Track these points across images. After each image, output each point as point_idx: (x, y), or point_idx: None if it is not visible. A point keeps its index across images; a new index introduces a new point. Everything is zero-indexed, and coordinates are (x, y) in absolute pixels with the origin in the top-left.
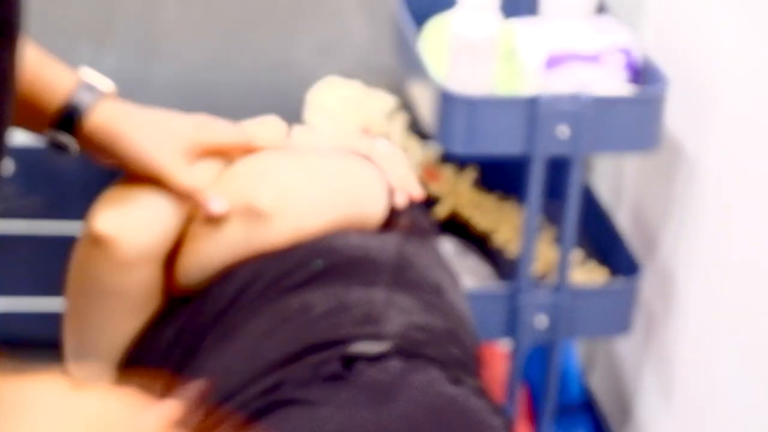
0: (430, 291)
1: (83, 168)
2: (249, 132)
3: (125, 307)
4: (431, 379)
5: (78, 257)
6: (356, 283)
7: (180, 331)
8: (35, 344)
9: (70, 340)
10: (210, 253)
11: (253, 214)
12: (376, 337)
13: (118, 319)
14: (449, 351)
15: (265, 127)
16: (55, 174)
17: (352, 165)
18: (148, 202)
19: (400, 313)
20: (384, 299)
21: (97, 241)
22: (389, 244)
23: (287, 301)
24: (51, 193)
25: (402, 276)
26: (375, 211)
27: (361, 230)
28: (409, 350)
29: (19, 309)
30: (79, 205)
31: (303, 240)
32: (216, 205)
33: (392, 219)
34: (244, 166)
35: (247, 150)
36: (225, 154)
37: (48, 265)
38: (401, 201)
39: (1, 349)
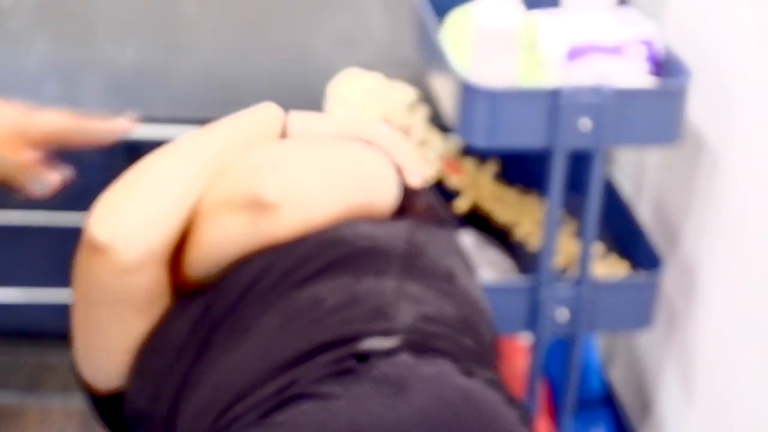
0: (442, 278)
1: (104, 159)
2: (84, 120)
3: (132, 311)
4: (442, 371)
5: (80, 265)
6: (366, 274)
7: (193, 327)
8: (55, 335)
9: (79, 343)
10: (217, 246)
11: (259, 207)
12: (387, 332)
13: (126, 323)
14: (462, 342)
15: (259, 113)
16: (76, 165)
17: (360, 153)
18: (146, 203)
19: (411, 305)
20: (395, 289)
21: (96, 250)
22: (399, 232)
23: (297, 296)
24: (72, 184)
25: (413, 264)
26: (385, 199)
27: (370, 219)
28: (419, 344)
29: (39, 300)
30: (99, 196)
31: (311, 231)
32: (38, 186)
33: (406, 205)
34: (249, 158)
35: (82, 136)
36: (57, 143)
37: (68, 256)
38: (415, 181)
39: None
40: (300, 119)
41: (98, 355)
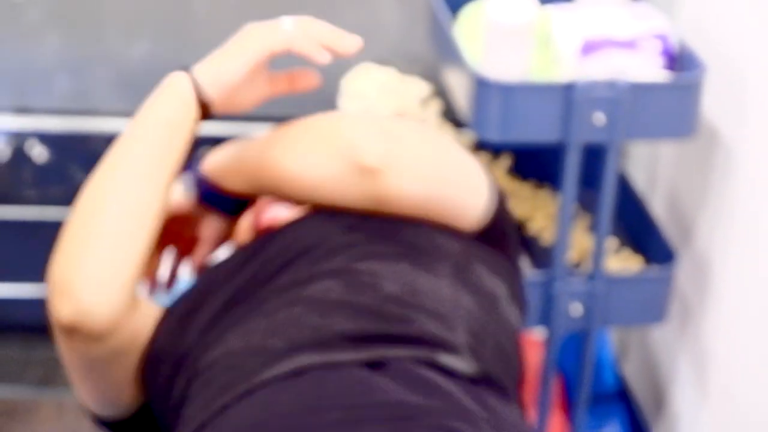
0: (486, 297)
1: None
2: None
3: (125, 356)
4: (520, 419)
5: (58, 339)
6: (422, 267)
7: (232, 272)
8: None
9: (80, 392)
10: (295, 173)
11: (357, 166)
12: (453, 347)
13: (122, 366)
14: (508, 372)
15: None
16: (88, 160)
17: (470, 165)
18: (100, 260)
19: (465, 319)
20: (452, 298)
21: (65, 330)
22: (456, 242)
23: (357, 267)
24: (83, 179)
25: (463, 274)
26: (469, 214)
27: (437, 224)
28: (490, 378)
29: None
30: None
31: (383, 210)
32: None
33: (490, 230)
34: (370, 114)
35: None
36: None
37: None
38: (348, 49)
39: None
40: (205, 71)
41: (103, 396)
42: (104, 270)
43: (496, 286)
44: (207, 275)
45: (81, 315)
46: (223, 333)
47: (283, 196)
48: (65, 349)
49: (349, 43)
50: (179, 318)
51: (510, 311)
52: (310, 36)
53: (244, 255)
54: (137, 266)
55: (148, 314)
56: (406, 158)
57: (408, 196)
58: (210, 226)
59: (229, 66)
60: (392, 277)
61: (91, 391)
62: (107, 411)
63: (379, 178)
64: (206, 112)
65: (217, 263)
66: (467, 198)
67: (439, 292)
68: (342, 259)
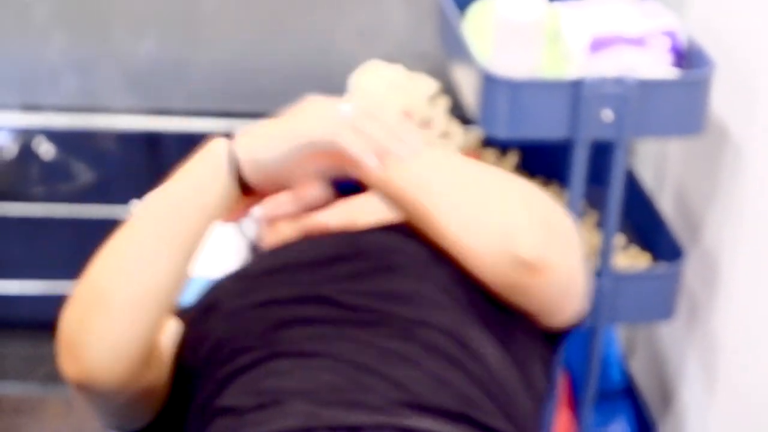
0: (536, 398)
1: (124, 152)
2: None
3: (136, 400)
4: None
5: (74, 392)
6: (509, 354)
7: (340, 280)
8: None
9: (108, 423)
10: (456, 224)
11: (509, 255)
12: None
13: (136, 405)
14: None
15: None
16: (96, 158)
17: (584, 265)
18: (114, 326)
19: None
20: (526, 403)
21: (79, 388)
22: (528, 337)
23: (467, 332)
24: (92, 176)
25: (529, 373)
26: (565, 316)
27: (521, 311)
28: None
29: (61, 292)
30: (119, 188)
31: (503, 292)
32: None
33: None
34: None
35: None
36: None
37: (89, 248)
38: (407, 153)
39: None
40: (245, 145)
41: (123, 422)
42: (110, 339)
43: (543, 388)
44: (280, 254)
45: (87, 377)
46: (311, 324)
47: (417, 225)
48: (85, 401)
49: (405, 150)
50: (259, 273)
51: (545, 410)
52: (365, 133)
53: (333, 247)
54: (145, 336)
55: (169, 347)
56: (558, 260)
57: (544, 295)
58: (311, 186)
59: (268, 148)
60: (491, 355)
61: (110, 421)
62: (127, 428)
63: (529, 273)
64: (245, 185)
65: (305, 242)
66: (572, 303)
67: (520, 395)
68: (453, 319)
